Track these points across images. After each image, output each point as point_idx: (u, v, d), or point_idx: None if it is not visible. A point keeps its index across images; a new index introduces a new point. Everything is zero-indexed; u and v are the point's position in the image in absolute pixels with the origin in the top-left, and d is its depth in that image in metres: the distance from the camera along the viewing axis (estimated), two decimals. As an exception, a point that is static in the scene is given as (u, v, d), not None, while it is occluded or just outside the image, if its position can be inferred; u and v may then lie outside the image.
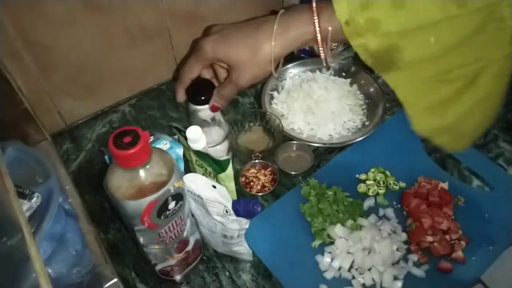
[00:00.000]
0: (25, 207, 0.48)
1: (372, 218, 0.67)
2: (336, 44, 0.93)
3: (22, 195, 0.48)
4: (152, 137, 0.65)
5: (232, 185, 0.65)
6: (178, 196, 0.49)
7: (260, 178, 0.73)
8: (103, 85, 0.84)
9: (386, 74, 0.55)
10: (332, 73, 0.89)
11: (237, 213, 0.60)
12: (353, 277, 0.61)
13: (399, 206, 0.69)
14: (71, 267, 0.52)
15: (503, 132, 0.80)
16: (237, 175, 0.73)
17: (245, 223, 0.59)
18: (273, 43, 0.57)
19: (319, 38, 0.55)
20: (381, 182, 0.71)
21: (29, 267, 0.37)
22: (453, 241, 0.63)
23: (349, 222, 0.66)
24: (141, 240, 0.52)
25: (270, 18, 0.58)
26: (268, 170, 0.74)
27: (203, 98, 0.63)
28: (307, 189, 0.70)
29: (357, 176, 0.73)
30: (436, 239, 0.63)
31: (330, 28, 0.54)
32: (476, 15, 0.48)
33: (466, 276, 0.61)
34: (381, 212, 0.68)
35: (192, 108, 0.65)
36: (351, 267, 0.62)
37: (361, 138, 0.77)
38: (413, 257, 0.63)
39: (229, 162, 0.61)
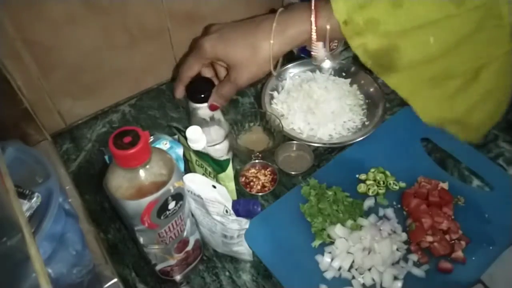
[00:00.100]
0: (25, 207, 0.48)
1: (372, 218, 0.67)
2: (336, 44, 0.93)
3: (22, 195, 0.48)
4: (152, 137, 0.65)
5: (232, 185, 0.65)
6: (178, 196, 0.49)
7: (260, 178, 0.73)
8: (103, 85, 0.84)
9: (387, 76, 0.55)
10: (332, 73, 0.89)
11: (237, 213, 0.59)
12: (353, 277, 0.61)
13: (399, 206, 0.69)
14: (71, 267, 0.52)
15: (503, 132, 0.80)
16: (237, 175, 0.73)
17: (245, 223, 0.59)
18: (271, 42, 0.57)
19: (314, 36, 0.55)
20: (381, 182, 0.71)
21: (29, 267, 0.37)
22: (453, 241, 0.63)
23: (349, 222, 0.66)
24: (141, 240, 0.52)
25: (269, 17, 0.58)
26: (268, 170, 0.74)
27: (202, 96, 0.63)
28: (307, 189, 0.70)
29: (357, 176, 0.73)
30: (436, 239, 0.63)
31: (328, 27, 0.54)
32: (474, 13, 0.48)
33: (466, 276, 0.61)
34: (381, 212, 0.68)
35: (192, 106, 0.65)
36: (351, 267, 0.62)
37: (361, 138, 0.77)
38: (413, 257, 0.63)
39: (229, 162, 0.61)
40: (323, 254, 0.63)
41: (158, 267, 0.59)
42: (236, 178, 0.72)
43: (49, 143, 0.78)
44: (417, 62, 0.53)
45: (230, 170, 0.62)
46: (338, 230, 0.64)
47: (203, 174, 0.65)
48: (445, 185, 0.70)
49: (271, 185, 0.72)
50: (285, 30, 0.56)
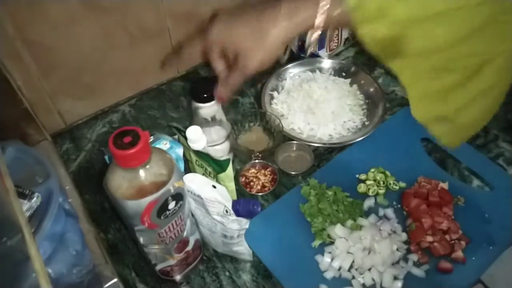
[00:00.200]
0: (25, 207, 0.48)
1: (372, 218, 0.67)
2: (336, 44, 0.93)
3: (22, 195, 0.48)
4: (152, 137, 0.65)
5: (232, 185, 0.65)
6: (178, 196, 0.49)
7: (260, 178, 0.73)
8: (103, 85, 0.84)
9: (391, 61, 0.54)
10: (332, 73, 0.89)
11: (237, 213, 0.59)
12: (353, 277, 0.61)
13: (399, 206, 0.69)
14: (71, 267, 0.52)
15: (503, 132, 0.80)
16: (237, 175, 0.73)
17: (245, 223, 0.59)
18: (279, 27, 0.55)
19: (318, 20, 0.54)
20: (381, 182, 0.71)
21: (29, 267, 0.37)
22: (453, 241, 0.63)
23: (349, 222, 0.66)
24: (141, 240, 0.52)
25: (277, 1, 0.56)
26: (268, 170, 0.74)
27: (205, 95, 0.63)
28: (307, 189, 0.70)
29: (357, 176, 0.73)
30: (436, 239, 0.63)
31: (336, 13, 0.52)
32: (485, 6, 0.47)
33: (466, 276, 0.61)
34: (381, 212, 0.68)
35: (194, 106, 0.65)
36: (351, 267, 0.62)
37: (361, 138, 0.77)
38: (413, 257, 0.63)
39: (229, 162, 0.61)
40: (323, 254, 0.63)
41: (158, 267, 0.59)
42: (236, 178, 0.72)
43: (49, 143, 0.78)
44: (423, 51, 0.51)
45: (230, 170, 0.62)
46: (338, 230, 0.64)
47: (203, 174, 0.65)
48: (445, 185, 0.70)
49: (271, 185, 0.72)
50: (293, 15, 0.55)
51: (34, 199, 0.49)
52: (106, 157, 0.66)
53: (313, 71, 0.90)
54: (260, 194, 0.72)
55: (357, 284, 0.61)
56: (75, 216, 0.59)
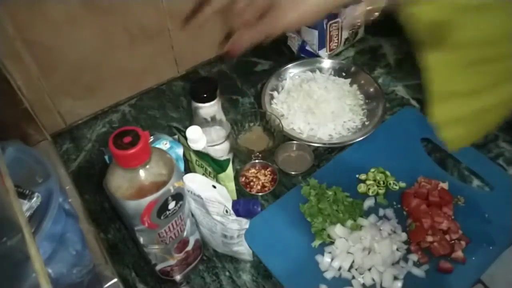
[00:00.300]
0: (25, 207, 0.48)
1: (372, 218, 0.67)
2: (336, 44, 0.93)
3: (22, 195, 0.48)
4: (152, 137, 0.65)
5: (232, 185, 0.65)
6: (178, 196, 0.49)
7: (260, 178, 0.73)
8: (103, 85, 0.84)
9: (429, 51, 0.50)
10: (332, 73, 0.89)
11: (237, 213, 0.59)
12: (353, 277, 0.61)
13: (399, 206, 0.69)
14: (71, 267, 0.52)
15: (503, 132, 0.80)
16: (237, 175, 0.73)
17: (245, 223, 0.59)
18: None
19: None
20: (381, 182, 0.71)
21: (29, 267, 0.37)
22: (453, 241, 0.63)
23: (349, 222, 0.66)
24: (141, 240, 0.52)
25: None
26: (268, 170, 0.74)
27: (205, 95, 0.63)
28: (307, 189, 0.70)
29: (357, 176, 0.73)
30: (436, 239, 0.63)
31: None
32: None
33: (466, 276, 0.61)
34: (381, 212, 0.68)
35: (194, 106, 0.65)
36: (351, 267, 0.62)
37: (361, 138, 0.77)
38: (413, 257, 0.63)
39: (229, 162, 0.61)
40: (323, 254, 0.63)
41: (158, 267, 0.59)
42: (236, 178, 0.72)
43: (49, 143, 0.78)
44: (469, 42, 0.48)
45: (230, 170, 0.62)
46: (338, 230, 0.64)
47: (203, 174, 0.65)
48: (445, 185, 0.70)
49: (271, 185, 0.72)
50: None
51: (34, 199, 0.49)
52: (106, 157, 0.66)
53: (313, 71, 0.90)
54: (260, 194, 0.72)
55: (357, 284, 0.61)
56: (75, 216, 0.59)
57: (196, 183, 0.55)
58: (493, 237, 0.64)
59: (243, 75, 0.93)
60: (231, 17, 0.59)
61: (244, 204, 0.64)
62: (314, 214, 0.66)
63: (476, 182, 0.73)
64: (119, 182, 0.45)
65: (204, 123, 0.66)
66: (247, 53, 0.94)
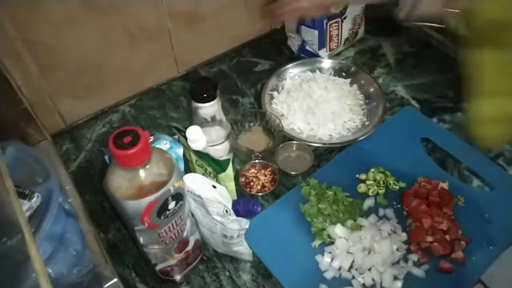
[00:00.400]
0: (25, 207, 0.48)
1: (372, 218, 0.67)
2: (336, 44, 0.93)
3: (22, 195, 0.48)
4: (152, 137, 0.65)
5: (232, 185, 0.65)
6: (178, 196, 0.49)
7: (260, 178, 0.73)
8: (103, 85, 0.84)
9: (479, 47, 0.49)
10: (332, 73, 0.89)
11: (237, 213, 0.59)
12: (353, 277, 0.61)
13: (399, 206, 0.69)
14: (71, 267, 0.52)
15: (503, 132, 0.80)
16: (237, 175, 0.73)
17: (245, 223, 0.59)
18: None
19: None
20: (381, 182, 0.71)
21: (29, 267, 0.37)
22: (453, 241, 0.63)
23: (349, 222, 0.66)
24: (141, 240, 0.52)
25: None
26: (268, 170, 0.74)
27: (205, 95, 0.63)
28: (307, 189, 0.70)
29: (357, 176, 0.73)
30: (436, 239, 0.63)
31: None
32: None
33: (466, 276, 0.61)
34: (381, 212, 0.68)
35: (194, 106, 0.65)
36: (351, 267, 0.62)
37: (361, 138, 0.77)
38: (413, 257, 0.63)
39: (229, 162, 0.61)
40: (323, 254, 0.63)
41: (158, 267, 0.59)
42: (236, 178, 0.72)
43: (49, 143, 0.78)
44: None
45: (230, 170, 0.62)
46: (338, 230, 0.64)
47: (203, 174, 0.65)
48: (445, 185, 0.70)
49: (271, 185, 0.72)
50: None
51: (34, 199, 0.49)
52: (106, 157, 0.66)
53: (313, 71, 0.90)
54: (260, 194, 0.72)
55: (357, 284, 0.61)
56: (75, 216, 0.59)
57: (196, 183, 0.55)
58: (493, 237, 0.64)
59: (243, 75, 0.93)
60: None
61: (244, 204, 0.64)
62: (314, 214, 0.66)
63: (476, 182, 0.73)
64: (119, 182, 0.45)
65: (204, 123, 0.66)
66: (248, 54, 0.95)
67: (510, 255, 0.62)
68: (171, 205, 0.49)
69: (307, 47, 0.94)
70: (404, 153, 0.76)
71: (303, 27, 0.91)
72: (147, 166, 0.45)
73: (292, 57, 0.96)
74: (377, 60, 0.95)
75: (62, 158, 0.79)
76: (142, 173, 0.45)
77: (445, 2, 0.58)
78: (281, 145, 0.76)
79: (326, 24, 0.88)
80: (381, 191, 0.70)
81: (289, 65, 0.89)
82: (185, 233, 0.56)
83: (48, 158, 0.60)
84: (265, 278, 0.64)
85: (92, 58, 0.78)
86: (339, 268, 0.62)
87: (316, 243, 0.65)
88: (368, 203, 0.69)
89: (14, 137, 0.66)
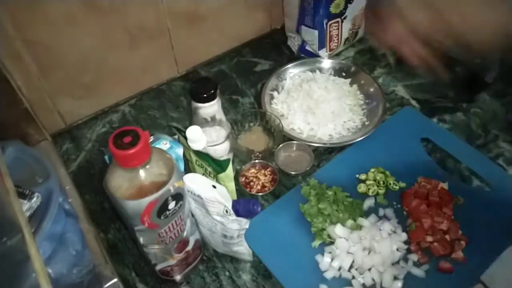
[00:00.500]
0: (25, 207, 0.48)
1: (372, 218, 0.67)
2: (336, 44, 0.93)
3: (22, 195, 0.48)
4: (152, 137, 0.65)
5: (232, 185, 0.65)
6: (178, 196, 0.49)
7: (260, 178, 0.73)
8: (103, 85, 0.84)
9: None
10: (332, 73, 0.89)
11: (237, 213, 0.59)
12: (353, 277, 0.61)
13: (399, 206, 0.69)
14: (71, 267, 0.52)
15: (503, 132, 0.80)
16: (237, 175, 0.73)
17: (245, 223, 0.59)
18: None
19: None
20: (381, 182, 0.71)
21: (29, 267, 0.37)
22: (453, 241, 0.63)
23: (349, 222, 0.66)
24: (141, 240, 0.52)
25: None
26: (268, 170, 0.74)
27: (205, 95, 0.63)
28: (307, 189, 0.70)
29: (357, 176, 0.73)
30: (436, 239, 0.63)
31: None
32: None
33: (466, 276, 0.61)
34: (381, 212, 0.68)
35: (194, 106, 0.65)
36: (351, 267, 0.62)
37: (361, 138, 0.77)
38: (413, 257, 0.63)
39: (229, 162, 0.61)
40: (323, 254, 0.63)
41: (158, 267, 0.59)
42: (236, 178, 0.72)
43: (49, 143, 0.78)
44: None
45: (230, 170, 0.62)
46: (338, 230, 0.64)
47: (203, 174, 0.65)
48: (445, 185, 0.70)
49: (271, 185, 0.72)
50: None
51: (34, 199, 0.49)
52: (106, 157, 0.66)
53: (313, 71, 0.89)
54: (260, 194, 0.72)
55: (357, 284, 0.61)
56: (75, 216, 0.59)
57: (196, 183, 0.55)
58: (493, 237, 0.64)
59: (243, 75, 0.93)
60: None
61: (244, 204, 0.64)
62: (314, 214, 0.66)
63: (476, 182, 0.73)
64: (119, 182, 0.45)
65: (204, 123, 0.66)
66: (248, 54, 0.95)
67: (510, 255, 0.62)
68: (171, 205, 0.49)
69: (307, 47, 0.94)
70: (404, 153, 0.76)
71: (303, 27, 0.91)
72: (147, 166, 0.45)
73: (292, 57, 0.96)
74: (377, 60, 0.95)
75: (62, 158, 0.79)
76: (142, 173, 0.45)
77: None
78: (281, 145, 0.76)
79: (326, 24, 0.88)
80: (381, 191, 0.70)
81: (289, 65, 0.89)
82: (185, 233, 0.56)
83: (48, 158, 0.60)
84: (265, 278, 0.64)
85: (92, 58, 0.78)
86: (339, 268, 0.62)
87: (316, 243, 0.65)
88: (368, 203, 0.69)
89: (14, 137, 0.66)
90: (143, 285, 0.64)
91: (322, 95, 0.81)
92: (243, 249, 0.63)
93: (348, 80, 0.87)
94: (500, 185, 0.71)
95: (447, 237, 0.64)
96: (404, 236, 0.65)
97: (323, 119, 0.79)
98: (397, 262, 0.62)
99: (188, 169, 0.70)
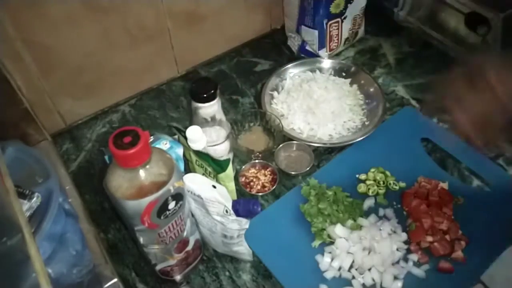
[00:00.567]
0: (25, 207, 0.48)
1: (372, 218, 0.67)
2: (336, 44, 0.93)
3: (22, 195, 0.48)
4: (152, 137, 0.65)
5: (232, 185, 0.65)
6: (178, 196, 0.49)
7: (260, 178, 0.73)
8: (103, 85, 0.84)
9: None
10: (332, 73, 0.89)
11: (237, 213, 0.60)
12: (353, 277, 0.61)
13: (399, 206, 0.69)
14: (71, 267, 0.52)
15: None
16: (237, 175, 0.73)
17: (245, 223, 0.59)
18: None
19: None
20: (381, 182, 0.71)
21: (29, 267, 0.37)
22: (453, 241, 0.63)
23: (349, 222, 0.66)
24: (141, 240, 0.52)
25: None
26: (268, 170, 0.74)
27: (205, 95, 0.63)
28: (307, 189, 0.70)
29: (357, 176, 0.73)
30: (436, 239, 0.63)
31: None
32: None
33: (466, 276, 0.61)
34: (381, 212, 0.68)
35: (194, 106, 0.65)
36: (351, 267, 0.62)
37: (361, 138, 0.77)
38: (413, 257, 0.63)
39: (229, 162, 0.61)
40: (323, 254, 0.63)
41: (158, 267, 0.59)
42: (236, 178, 0.72)
43: (49, 143, 0.78)
44: None
45: (230, 170, 0.62)
46: (338, 230, 0.64)
47: (203, 174, 0.65)
48: (445, 185, 0.70)
49: (271, 185, 0.72)
50: None
51: (34, 199, 0.49)
52: (106, 157, 0.66)
53: (313, 71, 0.89)
54: (260, 194, 0.72)
55: (357, 284, 0.61)
56: (75, 216, 0.59)
57: (196, 183, 0.55)
58: (493, 237, 0.64)
59: (243, 75, 0.93)
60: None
61: (244, 204, 0.64)
62: (314, 214, 0.66)
63: (476, 182, 0.73)
64: (119, 182, 0.45)
65: (204, 123, 0.66)
66: (248, 54, 0.95)
67: (510, 255, 0.62)
68: (171, 205, 0.49)
69: (307, 47, 0.94)
70: (404, 153, 0.76)
71: (303, 27, 0.91)
72: (147, 166, 0.45)
73: (292, 57, 0.96)
74: (377, 60, 0.95)
75: (62, 158, 0.79)
76: (142, 173, 0.45)
77: None
78: (281, 145, 0.76)
79: (326, 24, 0.88)
80: (381, 191, 0.70)
81: (289, 65, 0.89)
82: (185, 233, 0.56)
83: (48, 158, 0.60)
84: (265, 278, 0.64)
85: (92, 58, 0.78)
86: (339, 268, 0.62)
87: (316, 243, 0.65)
88: (368, 203, 0.69)
89: (14, 137, 0.66)
90: (143, 285, 0.64)
91: (322, 95, 0.81)
92: (243, 249, 0.63)
93: (348, 80, 0.87)
94: (500, 185, 0.71)
95: (447, 237, 0.64)
96: (404, 236, 0.65)
97: (323, 119, 0.79)
98: (397, 262, 0.62)
99: (188, 169, 0.70)
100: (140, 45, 0.82)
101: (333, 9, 0.87)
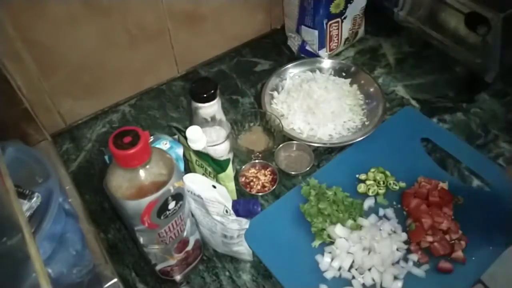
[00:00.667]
0: (25, 207, 0.48)
1: (372, 218, 0.67)
2: (336, 44, 0.93)
3: (22, 195, 0.48)
4: (152, 137, 0.65)
5: (232, 185, 0.65)
6: (178, 196, 0.49)
7: (260, 178, 0.73)
8: (103, 85, 0.84)
9: None
10: (332, 73, 0.89)
11: (237, 213, 0.60)
12: (353, 277, 0.61)
13: (399, 206, 0.69)
14: (71, 267, 0.52)
15: (503, 132, 0.80)
16: (237, 175, 0.73)
17: (245, 223, 0.59)
18: None
19: None
20: (381, 182, 0.71)
21: (29, 267, 0.37)
22: (453, 241, 0.63)
23: (349, 222, 0.66)
24: (141, 240, 0.52)
25: None
26: (268, 170, 0.74)
27: (205, 95, 0.63)
28: (307, 189, 0.70)
29: (357, 176, 0.73)
30: (436, 239, 0.63)
31: None
32: None
33: (466, 276, 0.61)
34: (381, 212, 0.68)
35: (194, 106, 0.65)
36: (351, 267, 0.62)
37: (361, 138, 0.77)
38: (413, 257, 0.63)
39: (229, 162, 0.61)
40: (323, 254, 0.63)
41: (158, 267, 0.59)
42: (236, 178, 0.72)
43: (49, 143, 0.78)
44: None
45: (230, 170, 0.62)
46: (338, 230, 0.64)
47: (203, 174, 0.65)
48: (445, 185, 0.70)
49: (271, 185, 0.72)
50: None
51: (34, 199, 0.49)
52: (106, 157, 0.66)
53: (313, 71, 0.89)
54: (260, 194, 0.72)
55: (357, 284, 0.61)
56: (75, 216, 0.59)
57: (196, 183, 0.55)
58: (493, 237, 0.64)
59: (243, 75, 0.93)
60: None
61: (244, 204, 0.64)
62: (314, 214, 0.66)
63: (476, 182, 0.73)
64: (119, 182, 0.45)
65: (204, 123, 0.66)
66: (248, 54, 0.95)
67: (510, 255, 0.62)
68: (171, 205, 0.49)
69: (307, 47, 0.94)
70: (404, 153, 0.76)
71: (303, 27, 0.91)
72: (147, 166, 0.45)
73: (292, 57, 0.96)
74: (377, 60, 0.95)
75: (62, 158, 0.79)
76: (142, 173, 0.45)
77: None
78: (281, 145, 0.76)
79: (326, 24, 0.88)
80: (381, 191, 0.70)
81: (289, 65, 0.89)
82: (185, 233, 0.56)
83: (48, 158, 0.60)
84: (265, 278, 0.64)
85: (92, 58, 0.78)
86: (339, 268, 0.62)
87: (316, 243, 0.65)
88: (368, 203, 0.69)
89: (14, 137, 0.66)
90: (143, 285, 0.64)
91: (322, 95, 0.81)
92: (243, 249, 0.63)
93: (348, 80, 0.87)
94: (500, 185, 0.71)
95: (447, 237, 0.64)
96: (404, 236, 0.65)
97: (323, 119, 0.79)
98: (397, 262, 0.62)
99: (188, 169, 0.70)
100: (140, 45, 0.82)
101: (333, 9, 0.87)
